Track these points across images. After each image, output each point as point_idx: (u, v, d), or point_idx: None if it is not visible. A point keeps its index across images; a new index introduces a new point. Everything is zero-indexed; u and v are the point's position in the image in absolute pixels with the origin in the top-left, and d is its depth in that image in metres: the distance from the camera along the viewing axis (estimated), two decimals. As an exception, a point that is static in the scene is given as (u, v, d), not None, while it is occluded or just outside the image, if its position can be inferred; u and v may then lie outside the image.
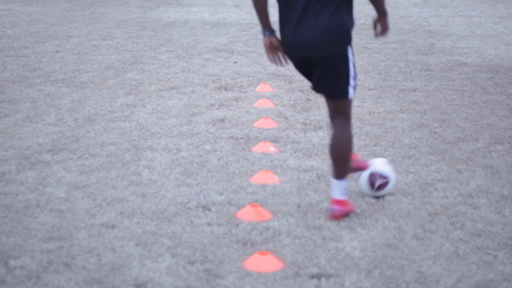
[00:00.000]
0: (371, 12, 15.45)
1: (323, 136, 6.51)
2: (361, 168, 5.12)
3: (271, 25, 4.64)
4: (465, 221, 4.79)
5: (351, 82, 4.61)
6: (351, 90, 4.62)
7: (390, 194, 5.16)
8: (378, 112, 7.39)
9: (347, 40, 4.65)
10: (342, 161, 4.72)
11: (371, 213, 4.87)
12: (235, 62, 9.67)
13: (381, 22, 4.77)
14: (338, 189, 4.72)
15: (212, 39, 11.56)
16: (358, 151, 6.13)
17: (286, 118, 7.08)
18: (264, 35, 4.64)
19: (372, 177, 5.09)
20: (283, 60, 4.69)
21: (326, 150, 6.11)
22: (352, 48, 4.72)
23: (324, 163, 5.81)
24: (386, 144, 6.35)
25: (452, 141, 6.50)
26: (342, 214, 4.74)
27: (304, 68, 4.68)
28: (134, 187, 5.25)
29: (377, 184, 5.09)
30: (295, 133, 6.59)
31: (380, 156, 6.02)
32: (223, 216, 4.77)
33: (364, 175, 5.11)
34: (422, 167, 5.79)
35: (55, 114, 7.09)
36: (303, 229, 4.60)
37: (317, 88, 4.70)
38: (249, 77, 8.82)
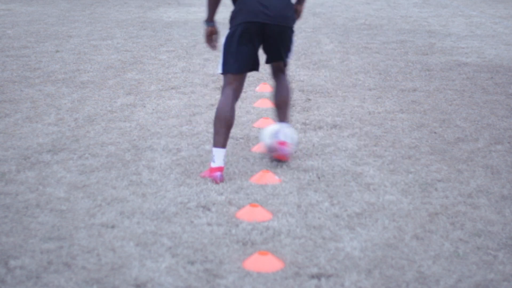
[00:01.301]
0: (371, 12, 15.46)
1: (323, 136, 6.51)
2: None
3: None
4: (465, 221, 4.79)
5: (292, 48, 5.74)
6: (291, 54, 5.77)
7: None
8: (378, 112, 7.39)
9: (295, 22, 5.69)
10: (286, 106, 5.82)
11: (371, 213, 4.87)
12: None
13: (297, 7, 5.75)
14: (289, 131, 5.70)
15: (212, 39, 11.56)
16: (358, 151, 6.13)
17: (286, 118, 7.08)
18: (209, 25, 5.67)
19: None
20: (216, 46, 5.70)
21: (326, 150, 6.11)
22: None
23: (324, 163, 5.81)
24: (386, 144, 6.35)
25: (452, 141, 6.50)
26: (285, 154, 5.70)
27: (253, 39, 5.50)
28: (134, 187, 5.25)
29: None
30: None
31: (380, 156, 6.03)
32: (223, 216, 4.77)
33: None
34: (422, 167, 5.79)
35: (55, 114, 7.09)
36: (303, 229, 4.60)
37: (270, 56, 5.71)
38: (249, 77, 8.82)
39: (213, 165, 5.43)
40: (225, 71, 5.55)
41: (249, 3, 5.50)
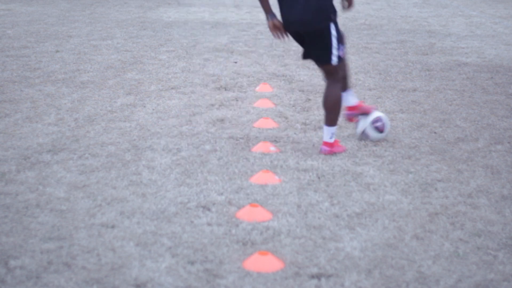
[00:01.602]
0: (371, 12, 15.46)
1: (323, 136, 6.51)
2: (365, 112, 6.34)
3: (272, 10, 5.79)
4: (465, 221, 4.79)
5: (334, 52, 5.79)
6: (334, 58, 5.81)
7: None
8: (378, 112, 7.39)
9: (328, 19, 5.73)
10: (332, 111, 5.93)
11: (371, 213, 4.87)
12: (235, 62, 9.68)
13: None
14: (327, 133, 5.99)
15: (212, 39, 11.57)
16: (358, 151, 6.13)
17: (286, 118, 7.08)
18: (268, 18, 5.80)
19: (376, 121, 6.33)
20: (285, 36, 5.88)
21: (326, 150, 6.12)
22: (336, 26, 5.78)
23: (324, 163, 5.81)
24: (386, 144, 6.35)
25: (452, 141, 6.50)
26: (329, 152, 6.00)
27: (298, 40, 5.91)
28: (134, 187, 5.25)
29: (379, 125, 6.32)
30: (295, 133, 6.59)
31: (380, 156, 6.03)
32: (223, 216, 4.77)
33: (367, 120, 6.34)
34: (422, 167, 5.79)
35: (55, 114, 7.09)
36: (303, 229, 4.60)
37: (305, 55, 5.96)
38: (249, 77, 8.82)
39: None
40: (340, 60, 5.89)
41: (281, 11, 5.85)
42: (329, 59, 5.80)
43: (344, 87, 6.16)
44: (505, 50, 11.10)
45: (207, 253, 4.25)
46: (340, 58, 5.84)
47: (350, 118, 6.41)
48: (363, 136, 6.38)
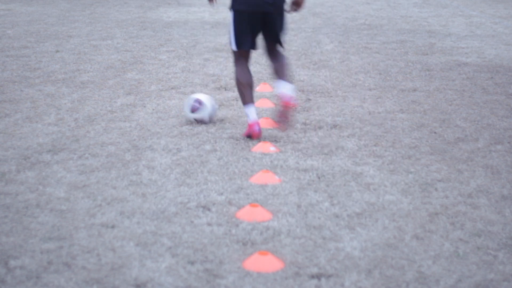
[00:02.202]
0: (371, 12, 15.46)
1: (323, 136, 6.51)
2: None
3: None
4: (465, 221, 4.79)
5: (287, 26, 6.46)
6: (286, 31, 6.51)
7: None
8: (378, 112, 7.39)
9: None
10: (286, 67, 6.39)
11: (371, 213, 4.87)
12: (235, 62, 9.67)
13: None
14: (291, 88, 6.33)
15: (212, 39, 11.57)
16: (358, 151, 6.14)
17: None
18: None
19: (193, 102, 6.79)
20: (215, 5, 6.57)
21: (326, 150, 6.12)
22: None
23: (324, 163, 5.81)
24: (386, 144, 6.35)
25: (452, 141, 6.50)
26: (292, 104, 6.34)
27: (254, 24, 6.26)
28: (134, 187, 5.25)
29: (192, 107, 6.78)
30: (295, 133, 6.59)
31: (380, 156, 6.03)
32: (223, 216, 4.77)
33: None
34: (422, 167, 5.79)
35: (55, 114, 7.09)
36: (303, 229, 4.60)
37: (270, 36, 6.36)
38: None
39: (249, 121, 6.33)
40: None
41: None
42: (286, 31, 6.44)
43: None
44: (505, 50, 11.10)
45: (207, 253, 4.25)
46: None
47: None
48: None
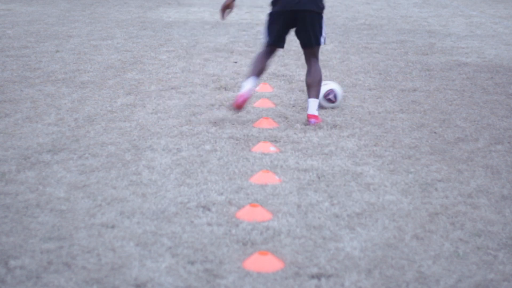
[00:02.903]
0: (371, 12, 15.46)
1: (323, 136, 6.51)
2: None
3: None
4: (465, 221, 4.79)
5: (324, 35, 6.88)
6: (322, 40, 6.89)
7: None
8: (378, 112, 7.39)
9: (323, 8, 6.84)
10: (318, 86, 6.87)
11: (371, 213, 4.87)
12: (235, 62, 9.68)
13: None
14: (315, 106, 6.86)
15: (212, 39, 11.57)
16: (358, 151, 6.14)
17: (286, 118, 7.08)
18: None
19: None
20: (225, 16, 7.14)
21: (326, 150, 6.12)
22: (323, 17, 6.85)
23: (324, 163, 5.81)
24: (386, 144, 6.36)
25: (452, 141, 6.50)
26: (317, 122, 6.84)
27: (287, 24, 6.81)
28: (134, 187, 5.25)
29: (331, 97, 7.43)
30: (295, 133, 6.59)
31: (380, 156, 6.03)
32: (223, 216, 4.77)
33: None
34: (422, 167, 5.79)
35: (55, 114, 7.09)
36: (303, 229, 4.60)
37: (302, 40, 6.87)
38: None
39: (239, 92, 6.77)
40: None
41: None
42: (319, 41, 6.83)
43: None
44: (505, 50, 11.10)
45: (207, 253, 4.25)
46: (324, 40, 6.93)
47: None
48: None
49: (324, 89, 7.35)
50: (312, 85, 6.84)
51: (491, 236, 4.58)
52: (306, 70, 6.99)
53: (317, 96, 6.83)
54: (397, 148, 6.26)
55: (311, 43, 6.83)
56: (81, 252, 4.24)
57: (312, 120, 6.82)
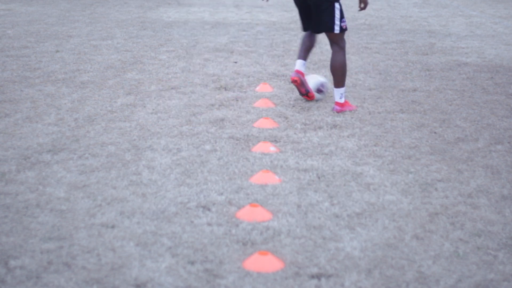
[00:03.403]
0: (371, 12, 15.45)
1: (323, 136, 6.51)
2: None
3: None
4: (465, 221, 4.79)
5: (336, 22, 7.05)
6: (336, 27, 7.06)
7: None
8: (378, 112, 7.39)
9: None
10: (338, 74, 7.16)
11: (371, 213, 4.87)
12: (235, 62, 9.68)
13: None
14: (337, 94, 7.22)
15: (212, 39, 11.57)
16: (358, 151, 6.14)
17: (286, 118, 7.08)
18: None
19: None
20: None
21: (326, 150, 6.12)
22: (340, 4, 7.07)
23: (324, 163, 5.81)
24: (386, 144, 6.36)
25: (452, 141, 6.50)
26: (340, 111, 7.22)
27: (304, 11, 7.27)
28: (134, 187, 5.25)
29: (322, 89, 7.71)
30: (295, 133, 6.59)
31: (380, 156, 6.03)
32: (223, 216, 4.77)
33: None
34: (422, 167, 5.79)
35: (55, 114, 7.09)
36: (303, 229, 4.60)
37: (309, 26, 7.34)
38: (249, 77, 8.82)
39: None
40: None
41: None
42: (332, 28, 7.05)
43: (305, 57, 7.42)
44: (505, 50, 11.10)
45: (207, 253, 4.25)
46: (342, 29, 7.09)
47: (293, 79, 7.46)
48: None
49: (315, 82, 7.71)
50: (332, 74, 7.23)
51: (491, 236, 4.58)
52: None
53: (337, 85, 7.18)
54: (397, 148, 6.26)
55: (318, 29, 7.19)
56: (81, 252, 4.24)
57: (336, 107, 7.24)
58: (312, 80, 7.71)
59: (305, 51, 7.40)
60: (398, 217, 4.83)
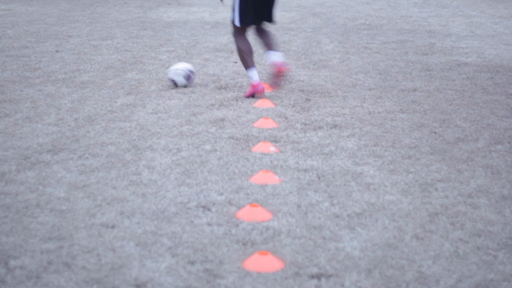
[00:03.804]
0: (371, 12, 15.46)
1: (323, 136, 6.51)
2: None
3: None
4: (465, 221, 4.79)
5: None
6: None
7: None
8: (378, 112, 7.39)
9: None
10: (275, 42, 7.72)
11: (371, 213, 4.87)
12: (235, 62, 9.68)
13: None
14: (281, 55, 7.64)
15: (212, 39, 11.57)
16: (358, 151, 6.14)
17: (286, 118, 7.08)
18: None
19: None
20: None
21: (326, 150, 6.12)
22: None
23: (324, 163, 5.81)
24: (386, 144, 6.36)
25: (452, 141, 6.50)
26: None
27: (259, 5, 7.61)
28: (134, 187, 5.25)
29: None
30: (295, 133, 6.59)
31: (380, 156, 6.03)
32: (223, 216, 4.77)
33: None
34: (422, 167, 5.79)
35: (55, 114, 7.09)
36: (303, 229, 4.60)
37: (261, 17, 7.71)
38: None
39: (253, 82, 7.62)
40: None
41: None
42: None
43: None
44: (505, 50, 11.10)
45: (207, 253, 4.25)
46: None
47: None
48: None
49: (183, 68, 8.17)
50: (269, 40, 7.83)
51: (491, 236, 4.58)
52: (260, 37, 7.89)
53: (276, 48, 7.69)
54: (397, 148, 6.26)
55: (273, 17, 7.80)
56: (81, 252, 4.24)
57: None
58: (181, 66, 8.15)
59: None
60: (398, 217, 4.83)
